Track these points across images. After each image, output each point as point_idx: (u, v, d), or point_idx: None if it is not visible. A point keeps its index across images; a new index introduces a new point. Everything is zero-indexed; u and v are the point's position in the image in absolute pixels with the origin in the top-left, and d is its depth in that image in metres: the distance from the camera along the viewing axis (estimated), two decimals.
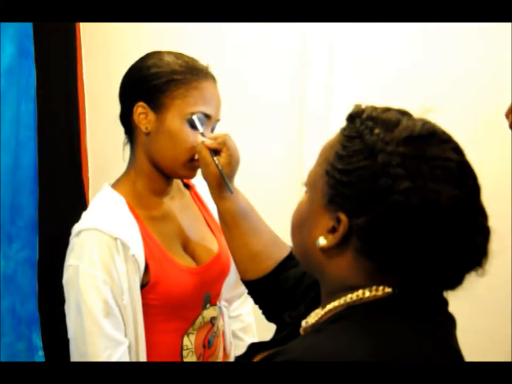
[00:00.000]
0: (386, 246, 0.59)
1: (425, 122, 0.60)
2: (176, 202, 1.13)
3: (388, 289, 0.61)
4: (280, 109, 1.75)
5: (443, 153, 0.58)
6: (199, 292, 1.09)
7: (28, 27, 1.36)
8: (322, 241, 0.63)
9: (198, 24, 1.66)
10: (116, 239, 0.93)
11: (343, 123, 0.65)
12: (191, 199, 1.19)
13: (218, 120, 1.05)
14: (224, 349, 1.24)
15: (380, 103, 0.65)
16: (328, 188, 0.62)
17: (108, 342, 0.93)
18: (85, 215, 0.99)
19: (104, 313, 0.93)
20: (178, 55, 1.02)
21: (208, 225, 1.17)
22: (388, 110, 0.63)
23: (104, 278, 0.93)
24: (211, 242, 1.15)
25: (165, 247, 1.03)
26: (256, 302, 1.04)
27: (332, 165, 0.62)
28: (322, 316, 0.67)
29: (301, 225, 0.68)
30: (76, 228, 0.96)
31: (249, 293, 1.05)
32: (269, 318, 1.01)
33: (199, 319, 1.10)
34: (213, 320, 1.14)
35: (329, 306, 0.65)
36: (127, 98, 1.04)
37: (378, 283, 0.61)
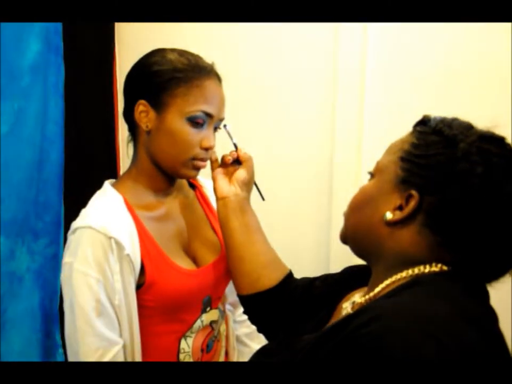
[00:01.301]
0: (453, 222, 0.67)
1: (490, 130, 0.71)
2: (179, 202, 1.12)
3: (445, 267, 0.69)
4: (311, 112, 1.71)
5: (510, 153, 0.69)
6: (198, 295, 1.06)
7: (57, 24, 1.40)
8: (389, 215, 0.72)
9: (229, 24, 1.67)
10: (110, 238, 0.93)
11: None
12: (196, 200, 1.18)
13: (221, 119, 1.05)
14: (227, 354, 1.21)
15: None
16: (402, 171, 0.72)
17: (100, 341, 0.92)
18: (82, 212, 1.00)
19: (96, 312, 0.92)
20: (182, 53, 1.02)
21: (213, 227, 1.16)
22: (456, 118, 0.74)
23: (97, 277, 0.93)
24: (214, 244, 1.14)
25: (163, 247, 1.02)
26: (254, 316, 1.03)
27: (407, 152, 0.72)
28: (380, 291, 0.72)
29: (365, 204, 0.77)
30: (73, 225, 0.97)
31: (247, 308, 1.03)
32: (266, 331, 1.02)
33: (198, 322, 1.07)
34: (213, 324, 1.11)
35: (389, 281, 0.71)
36: (129, 95, 1.05)
37: (437, 260, 0.69)
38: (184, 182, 1.18)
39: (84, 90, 1.55)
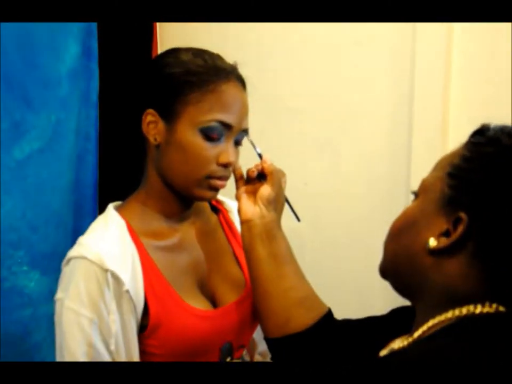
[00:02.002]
0: (509, 250, 0.58)
1: None
2: (197, 230, 1.00)
3: (501, 308, 0.59)
4: (385, 122, 1.57)
5: None
6: (215, 342, 0.92)
7: (92, 24, 1.23)
8: (433, 242, 0.62)
9: (291, 24, 1.57)
10: (106, 270, 0.81)
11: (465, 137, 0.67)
12: (218, 226, 1.06)
13: (243, 130, 0.92)
14: None
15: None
16: (449, 189, 0.62)
17: None
18: (79, 240, 0.88)
19: (88, 358, 0.81)
20: (197, 53, 0.91)
21: (237, 259, 1.03)
22: None
23: (91, 317, 0.81)
24: (237, 280, 1.01)
25: (172, 283, 0.90)
26: (282, 362, 0.88)
27: (457, 166, 0.63)
28: (421, 334, 0.63)
29: (407, 229, 0.67)
30: (67, 254, 0.86)
31: (275, 353, 0.89)
32: None
33: None
34: None
35: (432, 322, 0.62)
36: (136, 103, 0.92)
37: (491, 298, 0.60)
38: (206, 205, 1.06)
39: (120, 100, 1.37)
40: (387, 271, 0.71)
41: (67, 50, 1.16)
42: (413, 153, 1.49)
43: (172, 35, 1.63)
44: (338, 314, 0.93)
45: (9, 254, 1.09)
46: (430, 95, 1.47)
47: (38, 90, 1.11)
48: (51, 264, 1.15)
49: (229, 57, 0.96)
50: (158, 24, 1.50)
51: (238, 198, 0.95)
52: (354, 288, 1.53)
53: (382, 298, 1.41)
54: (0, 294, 1.08)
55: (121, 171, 1.37)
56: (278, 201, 0.92)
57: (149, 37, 1.42)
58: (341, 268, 1.50)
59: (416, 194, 0.70)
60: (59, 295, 0.84)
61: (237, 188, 0.96)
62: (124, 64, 1.32)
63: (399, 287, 0.71)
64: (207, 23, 1.61)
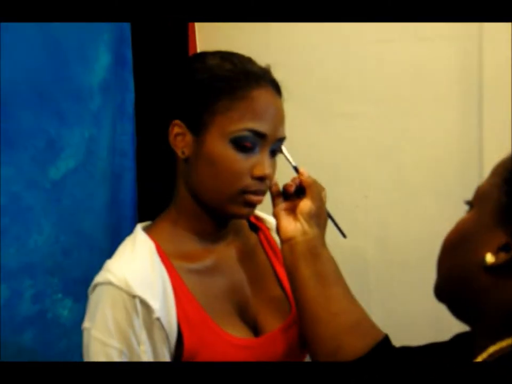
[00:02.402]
0: None
1: None
2: (235, 250, 0.95)
3: None
4: (454, 118, 1.45)
5: None
6: None
7: (124, 29, 1.14)
8: (490, 258, 0.58)
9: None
10: (134, 297, 0.77)
11: None
12: (259, 246, 1.00)
13: (279, 138, 0.86)
14: None
15: None
16: (507, 197, 0.58)
17: None
18: (105, 264, 0.84)
19: None
20: (226, 56, 0.86)
21: (281, 281, 0.97)
22: None
23: (120, 348, 0.77)
24: (282, 304, 0.95)
25: (207, 309, 0.84)
26: None
27: None
28: (484, 360, 0.58)
29: (461, 244, 0.63)
30: (94, 280, 0.82)
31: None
32: None
33: None
34: None
35: (493, 349, 0.58)
36: (163, 114, 0.90)
37: None
38: (244, 223, 1.00)
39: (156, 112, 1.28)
40: (442, 292, 0.67)
41: (98, 60, 1.08)
42: (485, 158, 1.38)
43: (210, 39, 1.54)
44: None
45: (49, 282, 1.03)
46: (500, 94, 1.36)
47: (70, 104, 1.05)
48: (84, 291, 1.07)
49: (274, 60, 0.90)
50: (197, 28, 1.40)
51: (276, 215, 0.89)
52: (429, 316, 1.41)
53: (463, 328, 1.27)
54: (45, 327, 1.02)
55: (162, 189, 1.28)
56: (320, 216, 0.87)
57: (186, 41, 1.32)
58: (412, 292, 1.36)
59: (471, 204, 0.65)
60: (86, 324, 0.80)
61: (274, 205, 0.91)
62: (160, 73, 1.22)
63: (456, 310, 0.66)
64: (251, 25, 1.51)
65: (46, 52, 0.99)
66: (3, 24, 0.90)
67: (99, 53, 1.09)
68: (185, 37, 1.31)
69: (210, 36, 1.55)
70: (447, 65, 1.43)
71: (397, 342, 0.84)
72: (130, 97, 1.18)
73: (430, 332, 1.21)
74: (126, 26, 1.15)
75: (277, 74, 0.90)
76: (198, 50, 1.45)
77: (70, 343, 1.06)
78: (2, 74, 0.92)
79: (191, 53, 1.36)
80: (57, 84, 1.02)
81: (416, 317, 1.43)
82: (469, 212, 0.65)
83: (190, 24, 1.38)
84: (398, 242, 1.46)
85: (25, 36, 0.96)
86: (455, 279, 0.64)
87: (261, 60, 0.91)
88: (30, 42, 0.96)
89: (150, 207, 1.23)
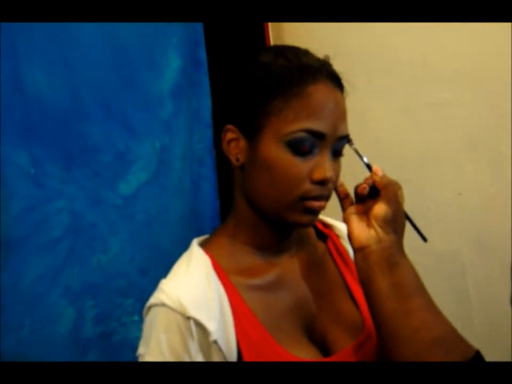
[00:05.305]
0: None
1: None
2: (300, 262, 0.89)
3: None
4: None
5: None
6: None
7: (197, 31, 1.11)
8: None
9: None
10: (188, 318, 0.74)
11: None
12: (328, 256, 0.93)
13: (341, 137, 0.79)
14: None
15: None
16: None
17: None
18: (160, 284, 0.80)
19: None
20: (280, 51, 0.80)
21: (352, 294, 0.91)
22: None
23: None
24: (353, 320, 0.88)
25: (270, 329, 0.79)
26: None
27: None
28: None
29: None
30: (148, 302, 0.79)
31: None
32: None
33: None
34: None
35: None
36: (217, 119, 0.85)
37: None
38: (310, 231, 0.93)
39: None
40: None
41: (168, 64, 1.06)
42: None
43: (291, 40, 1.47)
44: None
45: (118, 303, 1.02)
46: None
47: (139, 113, 1.04)
48: None
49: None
50: (270, 28, 1.33)
51: (346, 221, 0.83)
52: None
53: None
54: (109, 349, 1.00)
55: None
56: (397, 221, 0.79)
57: (263, 40, 1.26)
58: None
59: None
60: (141, 350, 0.77)
61: (343, 209, 0.84)
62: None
63: None
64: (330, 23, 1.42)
65: (112, 59, 0.99)
66: (68, 36, 0.91)
67: (169, 57, 1.06)
68: (262, 36, 1.24)
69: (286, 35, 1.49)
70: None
71: (501, 354, 0.73)
72: (206, 102, 1.14)
73: None
74: (199, 28, 1.12)
75: (357, 66, 0.79)
76: None
77: None
78: (65, 87, 0.93)
79: None
80: (126, 93, 1.01)
81: None
82: None
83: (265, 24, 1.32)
84: (498, 243, 1.32)
85: (89, 42, 0.97)
86: None
87: (339, 53, 0.84)
88: (94, 49, 0.96)
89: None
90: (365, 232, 0.80)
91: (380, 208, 0.79)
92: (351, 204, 0.84)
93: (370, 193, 0.81)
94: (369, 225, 0.80)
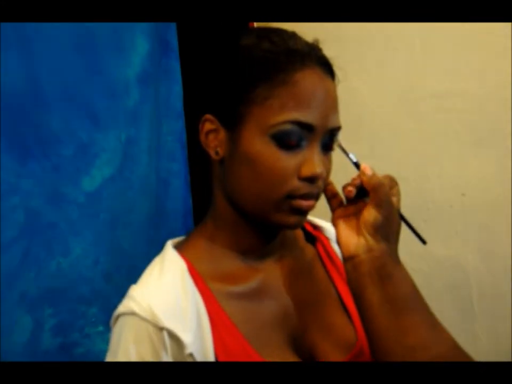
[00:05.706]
0: None
1: None
2: (286, 267, 0.86)
3: None
4: None
5: None
6: None
7: None
8: None
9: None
10: (161, 329, 0.70)
11: None
12: (317, 261, 0.90)
13: (332, 129, 0.75)
14: None
15: None
16: None
17: None
18: (129, 290, 0.76)
19: None
20: (264, 34, 0.76)
21: (344, 303, 0.87)
22: None
23: None
24: (345, 333, 0.85)
25: (252, 341, 0.76)
26: None
27: None
28: None
29: None
30: (116, 310, 0.75)
31: None
32: None
33: None
34: None
35: None
36: (190, 109, 0.81)
37: None
38: (298, 234, 0.90)
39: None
40: None
41: (134, 49, 0.99)
42: None
43: None
44: None
45: (80, 312, 0.96)
46: None
47: (103, 102, 0.97)
48: None
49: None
50: None
51: (334, 225, 0.79)
52: None
53: None
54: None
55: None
56: (389, 226, 0.75)
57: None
58: None
59: None
60: (107, 360, 0.75)
61: (332, 210, 0.80)
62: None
63: None
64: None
65: (74, 41, 0.92)
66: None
67: (135, 41, 1.00)
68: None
69: None
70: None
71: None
72: (177, 89, 1.07)
73: None
74: None
75: (349, 51, 0.74)
76: None
77: None
78: (22, 71, 0.86)
79: None
80: (90, 79, 0.95)
81: None
82: None
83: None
84: (505, 248, 1.29)
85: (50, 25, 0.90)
86: None
87: (330, 37, 0.80)
88: (54, 30, 0.89)
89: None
90: (353, 239, 0.76)
91: (368, 214, 0.75)
92: (340, 204, 0.80)
93: (361, 193, 0.77)
94: (358, 231, 0.76)
